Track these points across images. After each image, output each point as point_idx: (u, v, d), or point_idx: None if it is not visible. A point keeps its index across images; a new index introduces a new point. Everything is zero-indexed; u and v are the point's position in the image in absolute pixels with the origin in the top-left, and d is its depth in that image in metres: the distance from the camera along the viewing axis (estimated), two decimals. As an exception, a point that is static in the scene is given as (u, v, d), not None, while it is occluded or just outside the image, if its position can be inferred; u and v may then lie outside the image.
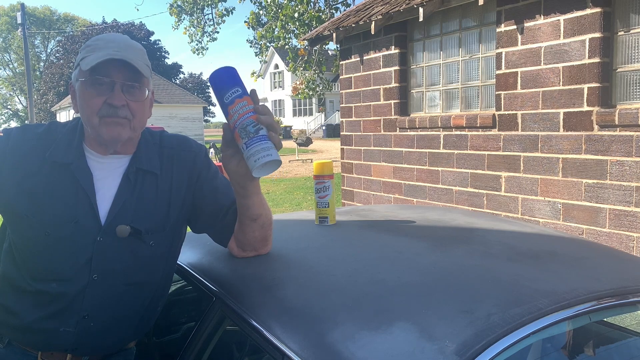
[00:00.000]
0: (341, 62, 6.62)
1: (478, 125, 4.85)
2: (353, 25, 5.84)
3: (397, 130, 5.80)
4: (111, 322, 1.38)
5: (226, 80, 1.30)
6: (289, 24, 13.00)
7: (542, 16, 4.27)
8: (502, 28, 4.58)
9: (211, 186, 1.48)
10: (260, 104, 1.32)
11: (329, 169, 1.85)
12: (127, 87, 1.33)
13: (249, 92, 1.32)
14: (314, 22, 12.45)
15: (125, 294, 1.38)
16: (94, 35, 1.45)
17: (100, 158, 1.38)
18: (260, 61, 16.79)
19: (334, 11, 13.11)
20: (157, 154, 1.44)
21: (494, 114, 4.71)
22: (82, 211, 1.33)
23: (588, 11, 3.95)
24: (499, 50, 4.63)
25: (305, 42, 8.05)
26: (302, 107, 42.06)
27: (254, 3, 14.30)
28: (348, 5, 13.24)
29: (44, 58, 53.32)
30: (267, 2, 13.63)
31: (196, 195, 1.47)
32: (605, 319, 1.73)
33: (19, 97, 54.43)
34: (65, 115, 33.33)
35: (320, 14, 12.77)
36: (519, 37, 4.44)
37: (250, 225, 1.46)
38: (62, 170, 1.34)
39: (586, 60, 3.98)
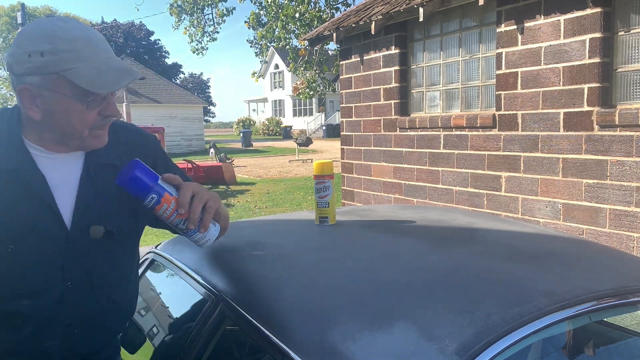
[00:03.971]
0: (341, 62, 6.62)
1: (478, 125, 4.85)
2: (353, 25, 5.84)
3: (397, 130, 5.80)
4: (95, 325, 1.32)
5: (134, 187, 1.19)
6: (290, 24, 13.00)
7: (542, 16, 4.27)
8: (502, 28, 4.58)
9: (168, 170, 1.40)
10: (179, 189, 1.20)
11: (329, 169, 1.85)
12: (113, 95, 1.24)
13: (163, 186, 1.20)
14: (315, 22, 12.45)
15: (103, 296, 1.31)
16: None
17: (51, 155, 1.24)
18: (260, 61, 16.78)
19: (334, 11, 13.11)
20: (112, 144, 1.32)
21: (494, 114, 4.71)
22: (43, 218, 1.21)
23: (588, 11, 3.95)
24: (499, 50, 4.63)
25: (306, 42, 8.06)
26: (302, 107, 42.06)
27: (254, 3, 14.30)
28: (348, 5, 13.24)
29: (44, 58, 53.23)
30: (267, 2, 13.63)
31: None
32: (605, 319, 1.73)
33: (19, 97, 54.33)
34: (65, 115, 33.31)
35: (321, 13, 12.78)
36: (519, 37, 4.44)
37: None
38: (10, 177, 1.19)
39: (586, 60, 3.98)
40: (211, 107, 57.90)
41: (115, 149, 1.32)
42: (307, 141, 21.72)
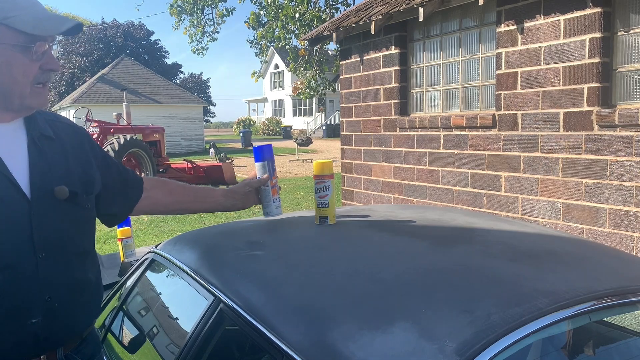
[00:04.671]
0: (341, 62, 6.62)
1: (478, 125, 4.85)
2: (353, 25, 5.84)
3: (397, 130, 5.80)
4: (73, 299, 1.30)
5: (271, 155, 1.89)
6: (290, 24, 13.01)
7: (542, 16, 4.27)
8: (502, 28, 4.58)
9: (109, 159, 1.50)
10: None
11: (329, 168, 1.85)
12: (51, 48, 1.24)
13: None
14: (315, 22, 12.45)
15: (77, 265, 1.30)
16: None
17: None
18: (260, 61, 16.80)
19: (334, 11, 13.11)
20: (45, 121, 1.34)
21: (494, 114, 4.71)
22: (1, 188, 1.18)
23: (588, 11, 3.95)
24: (499, 50, 4.63)
25: (306, 42, 8.06)
26: (302, 107, 42.08)
27: (254, 3, 14.30)
28: (348, 5, 13.24)
29: (44, 58, 53.15)
30: (267, 2, 13.63)
31: (101, 166, 1.44)
32: (605, 319, 1.73)
33: (19, 97, 54.21)
34: (65, 115, 33.35)
35: (321, 13, 12.78)
36: (519, 37, 4.44)
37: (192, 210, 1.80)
38: None
39: (586, 60, 3.98)
40: (211, 107, 57.85)
41: (49, 126, 1.34)
42: (307, 141, 21.72)
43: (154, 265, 2.03)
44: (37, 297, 1.22)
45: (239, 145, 29.37)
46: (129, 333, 2.00)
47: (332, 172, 1.87)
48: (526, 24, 4.38)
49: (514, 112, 4.54)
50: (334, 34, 6.27)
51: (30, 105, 1.24)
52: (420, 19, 4.96)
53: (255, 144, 2.00)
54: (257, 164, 1.88)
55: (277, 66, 43.11)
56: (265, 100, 47.03)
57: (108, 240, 6.83)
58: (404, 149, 5.74)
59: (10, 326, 1.20)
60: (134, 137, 11.61)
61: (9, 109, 1.24)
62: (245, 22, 14.79)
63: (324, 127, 35.49)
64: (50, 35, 1.20)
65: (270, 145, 1.91)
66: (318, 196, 1.84)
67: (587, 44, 3.96)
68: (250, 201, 1.86)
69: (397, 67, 5.74)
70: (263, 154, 1.86)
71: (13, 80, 1.19)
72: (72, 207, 1.29)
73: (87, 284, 1.35)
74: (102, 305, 1.57)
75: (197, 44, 16.17)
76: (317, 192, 1.84)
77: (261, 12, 14.43)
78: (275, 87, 44.96)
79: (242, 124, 43.62)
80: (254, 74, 16.52)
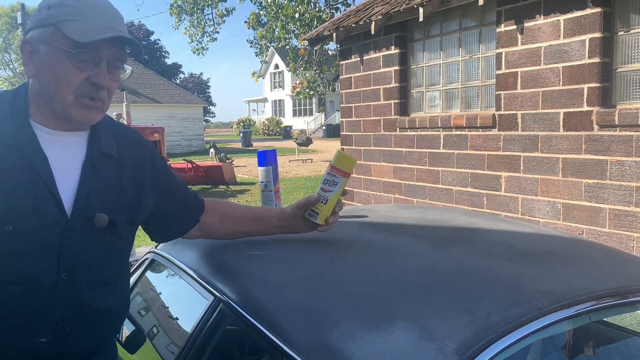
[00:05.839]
0: (341, 62, 6.62)
1: (478, 125, 4.85)
2: (353, 25, 5.84)
3: (397, 130, 5.80)
4: (88, 324, 1.26)
5: (275, 160, 1.97)
6: (290, 24, 13.01)
7: (542, 16, 4.27)
8: (502, 28, 4.58)
9: (167, 171, 1.46)
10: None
11: (348, 165, 1.61)
12: (112, 67, 1.20)
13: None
14: (315, 22, 12.46)
15: (98, 292, 1.26)
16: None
17: (54, 135, 1.21)
18: (260, 61, 16.82)
19: (334, 11, 13.12)
20: (112, 136, 1.30)
21: (494, 114, 4.71)
22: (43, 201, 1.15)
23: (588, 11, 3.95)
24: (499, 50, 4.63)
25: (306, 42, 8.06)
26: (302, 107, 42.07)
27: (254, 3, 14.32)
28: (348, 5, 13.25)
29: (44, 58, 53.16)
30: (267, 2, 13.64)
31: (161, 188, 1.41)
32: (605, 319, 1.73)
33: (19, 97, 54.22)
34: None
35: (321, 13, 12.79)
36: (519, 37, 4.44)
37: (247, 234, 1.67)
38: (12, 153, 1.15)
39: (586, 60, 3.98)
40: (211, 107, 57.91)
41: (115, 142, 1.31)
42: (307, 141, 21.73)
43: (154, 265, 2.03)
44: (49, 318, 1.19)
45: (239, 145, 29.35)
46: (129, 333, 2.00)
47: (350, 171, 1.63)
48: (526, 24, 4.38)
49: (514, 112, 4.54)
50: (334, 34, 6.27)
51: (72, 116, 1.19)
52: (420, 19, 4.96)
53: (256, 144, 2.01)
54: (260, 168, 1.95)
55: (277, 66, 43.10)
56: (265, 100, 47.03)
57: (108, 240, 6.81)
58: (404, 149, 5.74)
59: (16, 341, 1.18)
60: (134, 137, 11.58)
61: (55, 116, 1.21)
62: (245, 22, 14.81)
63: (324, 127, 35.48)
64: (92, 43, 1.15)
65: (274, 150, 1.98)
66: (321, 188, 1.61)
67: (587, 44, 3.96)
68: (303, 226, 1.65)
69: (397, 67, 5.74)
70: (267, 159, 1.94)
71: (56, 85, 1.17)
72: (108, 235, 1.25)
73: (105, 312, 1.30)
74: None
75: (197, 44, 16.21)
76: (324, 183, 1.61)
77: (261, 12, 14.45)
78: (275, 87, 44.95)
79: (242, 124, 43.61)
80: (254, 74, 16.53)
